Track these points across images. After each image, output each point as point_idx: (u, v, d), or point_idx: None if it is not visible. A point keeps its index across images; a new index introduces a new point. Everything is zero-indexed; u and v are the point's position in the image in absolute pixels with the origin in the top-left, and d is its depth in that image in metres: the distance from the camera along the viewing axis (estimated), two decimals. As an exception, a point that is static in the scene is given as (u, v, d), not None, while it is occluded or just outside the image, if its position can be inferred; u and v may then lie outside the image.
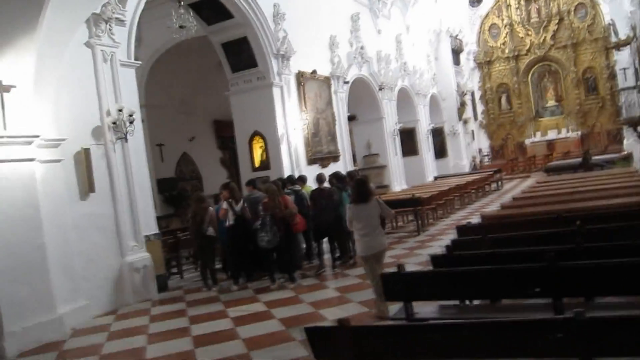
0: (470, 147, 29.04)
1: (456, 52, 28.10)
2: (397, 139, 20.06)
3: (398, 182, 19.48)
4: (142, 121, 16.70)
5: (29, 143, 7.39)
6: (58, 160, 8.00)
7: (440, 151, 25.24)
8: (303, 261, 10.01)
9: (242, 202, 9.02)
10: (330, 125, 15.36)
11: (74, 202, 8.32)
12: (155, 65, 16.01)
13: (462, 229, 6.79)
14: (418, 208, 12.40)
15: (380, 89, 19.02)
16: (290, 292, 8.29)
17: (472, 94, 30.08)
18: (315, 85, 14.87)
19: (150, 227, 9.53)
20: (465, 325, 3.26)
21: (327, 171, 13.47)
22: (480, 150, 30.57)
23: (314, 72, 14.85)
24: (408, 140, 21.80)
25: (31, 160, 7.41)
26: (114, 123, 8.90)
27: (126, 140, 9.09)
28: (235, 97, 13.63)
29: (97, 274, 8.52)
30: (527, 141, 29.45)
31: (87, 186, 8.48)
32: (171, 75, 16.58)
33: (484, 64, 31.09)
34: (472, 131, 29.41)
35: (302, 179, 11.06)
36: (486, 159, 30.43)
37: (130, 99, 9.42)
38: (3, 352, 6.74)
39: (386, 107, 19.49)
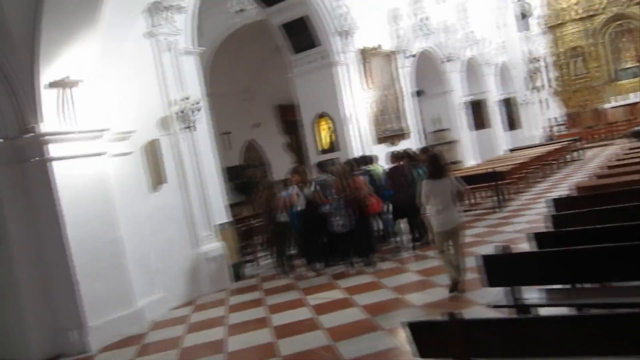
0: (543, 116, 27.54)
1: (524, 17, 26.59)
2: (467, 112, 19.18)
3: (471, 157, 18.64)
4: (208, 110, 16.94)
5: (99, 137, 7.32)
6: (128, 153, 7.93)
7: (512, 122, 24.04)
8: (379, 243, 9.61)
9: (312, 185, 8.68)
10: (397, 102, 14.76)
11: (145, 195, 8.24)
12: (217, 54, 15.92)
13: (559, 202, 6.13)
14: (498, 182, 11.67)
15: (447, 61, 18.17)
16: (369, 276, 7.91)
17: (544, 60, 28.44)
18: (379, 61, 14.30)
19: (222, 215, 9.37)
20: (593, 318, 2.76)
21: (397, 149, 13.00)
22: (554, 119, 28.96)
23: (378, 47, 14.28)
24: (478, 113, 20.83)
25: (102, 154, 7.34)
26: (180, 112, 8.75)
27: (194, 129, 8.92)
28: (298, 79, 13.29)
29: (173, 265, 8.45)
30: (607, 106, 27.59)
31: (157, 178, 8.39)
32: (233, 62, 16.45)
33: (555, 27, 29.29)
34: (546, 99, 27.85)
35: (372, 159, 10.61)
36: (562, 127, 28.80)
37: (195, 87, 9.24)
38: (87, 346, 6.74)
39: (453, 80, 18.63)
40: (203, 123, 9.25)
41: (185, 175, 8.80)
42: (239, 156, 17.04)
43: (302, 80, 13.20)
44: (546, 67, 28.62)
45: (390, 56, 14.78)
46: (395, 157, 9.41)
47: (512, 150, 20.90)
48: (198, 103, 8.86)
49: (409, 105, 15.37)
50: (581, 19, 28.39)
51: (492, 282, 3.96)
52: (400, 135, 14.62)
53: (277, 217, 8.72)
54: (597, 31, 28.33)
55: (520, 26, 25.94)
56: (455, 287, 6.20)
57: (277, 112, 18.68)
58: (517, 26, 25.69)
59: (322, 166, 9.50)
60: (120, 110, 7.86)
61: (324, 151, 13.28)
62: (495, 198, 12.08)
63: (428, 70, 17.72)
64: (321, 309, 6.74)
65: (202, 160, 9.08)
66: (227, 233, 9.34)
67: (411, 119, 15.31)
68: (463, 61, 19.47)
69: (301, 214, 8.58)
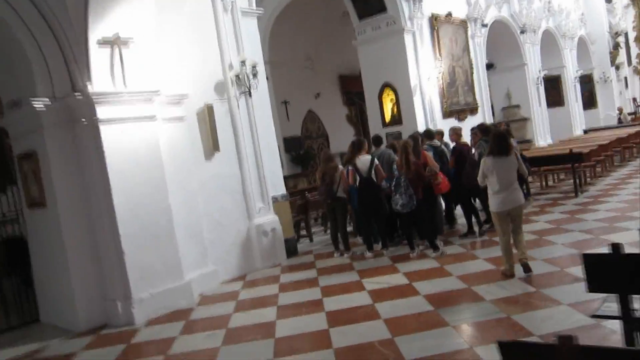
0: (622, 96, 25.60)
1: (609, -13, 24.57)
2: (541, 88, 17.87)
3: (542, 137, 17.41)
4: (267, 78, 16.39)
5: (150, 100, 6.88)
6: (181, 118, 7.49)
7: (589, 101, 22.39)
8: (444, 226, 8.89)
9: (372, 160, 8.02)
10: (467, 74, 13.77)
11: (198, 163, 7.82)
12: (278, 20, 15.28)
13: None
14: (576, 165, 10.64)
15: (522, 32, 16.89)
16: (433, 261, 7.23)
17: (626, 35, 26.35)
18: (450, 29, 13.31)
19: (278, 187, 8.87)
20: None
21: (465, 125, 12.11)
22: (635, 99, 26.91)
23: (449, 14, 13.27)
24: (552, 90, 19.43)
25: (153, 118, 6.92)
26: (237, 77, 8.23)
27: (250, 94, 8.40)
28: (362, 46, 12.52)
29: (225, 237, 8.04)
30: (695, 87, 25.35)
31: (211, 145, 7.94)
32: (294, 29, 15.79)
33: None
34: (625, 78, 25.85)
35: (440, 134, 9.81)
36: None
37: (254, 51, 8.69)
38: (132, 318, 6.43)
39: (528, 52, 17.33)
40: (261, 89, 8.71)
41: (240, 144, 8.31)
42: (297, 127, 16.48)
43: (367, 47, 12.42)
44: (627, 43, 26.56)
45: (461, 25, 13.75)
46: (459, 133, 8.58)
47: (585, 132, 19.47)
48: (255, 67, 8.30)
49: (480, 79, 14.34)
50: (672, -10, 26.06)
51: (593, 286, 3.23)
52: (469, 109, 13.66)
53: (334, 191, 8.11)
54: (689, 4, 25.95)
55: (604, -3, 23.98)
56: (528, 267, 5.98)
57: (339, 83, 17.96)
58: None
59: (378, 141, 8.79)
60: (174, 73, 7.41)
61: (388, 124, 12.53)
62: (571, 182, 11.05)
63: (500, 42, 16.51)
64: (379, 295, 6.13)
65: (258, 128, 8.56)
66: (282, 206, 8.85)
67: (481, 93, 14.29)
68: (539, 33, 18.08)
69: (358, 191, 7.97)
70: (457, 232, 8.81)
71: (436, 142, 8.95)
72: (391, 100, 12.42)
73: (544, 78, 17.87)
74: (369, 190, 7.86)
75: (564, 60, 19.94)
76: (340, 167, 8.20)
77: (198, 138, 7.86)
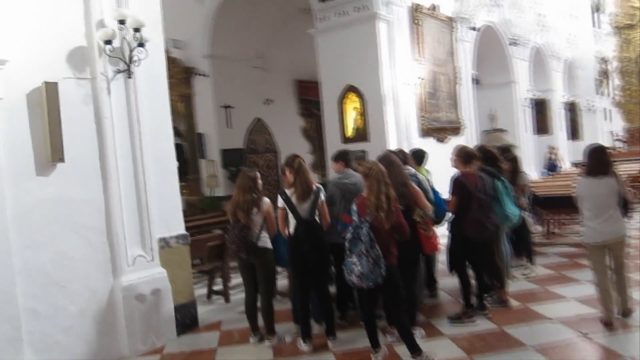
0: (603, 128, 23.23)
1: (597, 11, 22.26)
2: (529, 111, 15.12)
3: (528, 168, 14.54)
4: (205, 76, 13.17)
5: None
6: (-16, 98, 4.16)
7: (573, 131, 19.81)
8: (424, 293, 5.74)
9: (316, 193, 4.81)
10: (450, 85, 10.81)
11: (22, 178, 4.48)
12: (225, 7, 12.11)
13: None
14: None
15: (512, 44, 14.12)
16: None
17: (611, 65, 24.15)
18: (434, 26, 10.35)
19: (172, 225, 5.55)
20: None
21: (446, 148, 9.08)
22: (613, 132, 24.60)
23: (434, 7, 10.33)
24: (538, 115, 16.68)
25: None
26: (108, 43, 4.93)
27: (129, 75, 5.11)
28: (322, 36, 9.44)
29: (64, 306, 4.70)
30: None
31: (49, 150, 4.60)
32: (244, 19, 12.59)
33: (624, 28, 24.99)
34: (609, 110, 23.54)
35: (418, 156, 6.68)
36: (621, 143, 24.40)
37: (146, 6, 5.41)
38: None
39: (518, 69, 14.56)
40: (154, 68, 5.45)
41: (108, 152, 5.00)
42: (240, 137, 13.17)
43: (328, 38, 9.35)
44: (611, 72, 24.44)
45: (447, 22, 10.81)
46: (468, 156, 5.35)
47: (576, 165, 16.78)
48: (138, 30, 5.03)
49: (467, 91, 11.38)
50: (659, 20, 24.05)
51: None
52: (451, 129, 10.67)
53: (253, 239, 4.83)
54: (675, 37, 23.97)
55: (592, 21, 21.62)
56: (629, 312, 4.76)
57: (295, 89, 14.77)
58: (591, 20, 21.36)
59: (344, 157, 5.51)
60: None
61: (350, 139, 9.42)
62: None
63: (488, 53, 13.70)
64: None
65: (145, 129, 5.27)
66: (176, 255, 5.53)
67: (466, 110, 11.32)
68: (529, 48, 15.37)
69: (290, 240, 4.75)
70: (440, 308, 5.68)
71: (410, 168, 5.81)
72: (355, 109, 9.32)
73: (533, 100, 15.13)
74: (307, 240, 4.62)
75: (552, 82, 17.31)
76: (267, 200, 4.93)
77: (24, 136, 4.52)
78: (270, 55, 13.68)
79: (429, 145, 9.71)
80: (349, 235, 4.19)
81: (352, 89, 9.23)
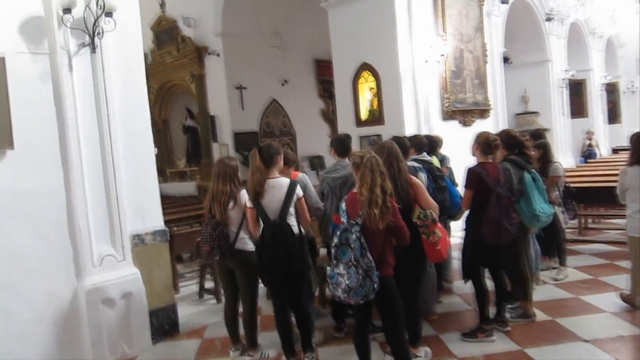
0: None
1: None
2: (565, 93, 13.97)
3: (564, 153, 13.47)
4: (218, 55, 12.46)
5: None
6: None
7: (611, 114, 18.49)
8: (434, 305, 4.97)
9: (290, 187, 4.03)
10: (479, 64, 9.83)
11: (-37, 168, 3.87)
12: (238, -21, 11.37)
13: None
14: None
15: (548, 20, 12.97)
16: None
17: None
18: (460, -1, 9.37)
19: (148, 218, 4.89)
20: None
21: (471, 132, 8.18)
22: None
23: (460, -23, 9.34)
24: (575, 97, 15.52)
25: None
26: (67, 11, 4.25)
27: (94, 49, 4.42)
28: (334, 10, 8.61)
29: (18, 311, 4.10)
30: None
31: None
32: (261, -5, 11.85)
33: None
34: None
35: (433, 143, 5.88)
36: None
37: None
38: None
39: (554, 47, 13.40)
40: (126, 38, 4.75)
41: (69, 137, 4.34)
42: (255, 119, 12.46)
43: (341, 12, 8.53)
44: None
45: (476, -5, 9.81)
46: (488, 144, 4.49)
47: (615, 151, 15.61)
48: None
49: (495, 72, 10.38)
50: None
51: None
52: (478, 111, 9.72)
53: (229, 239, 4.12)
54: None
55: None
56: None
57: (314, 69, 13.94)
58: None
59: (343, 145, 4.72)
60: None
61: (364, 122, 8.63)
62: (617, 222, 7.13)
63: (520, 29, 12.59)
64: None
65: (114, 110, 4.59)
66: (153, 252, 4.89)
67: (495, 91, 10.33)
68: (567, 24, 14.16)
69: (258, 244, 4.00)
70: (454, 318, 4.90)
71: (425, 156, 5.01)
72: (371, 89, 8.50)
73: (568, 81, 13.96)
74: (278, 245, 3.87)
75: (590, 62, 16.03)
76: (244, 193, 4.19)
77: (-35, 119, 3.90)
78: (287, 33, 12.88)
79: (451, 128, 8.90)
80: (335, 241, 3.44)
81: (366, 67, 8.40)
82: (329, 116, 14.35)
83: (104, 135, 4.54)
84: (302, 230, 4.06)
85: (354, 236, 3.35)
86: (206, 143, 12.51)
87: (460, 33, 9.25)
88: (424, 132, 8.05)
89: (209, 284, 6.30)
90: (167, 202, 11.40)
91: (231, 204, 4.13)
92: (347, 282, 3.30)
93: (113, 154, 4.58)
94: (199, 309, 5.80)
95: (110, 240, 4.57)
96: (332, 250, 3.43)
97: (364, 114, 8.59)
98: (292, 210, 3.99)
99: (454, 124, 9.13)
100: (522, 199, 4.52)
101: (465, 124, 9.34)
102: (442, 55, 8.67)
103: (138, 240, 4.77)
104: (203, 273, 6.20)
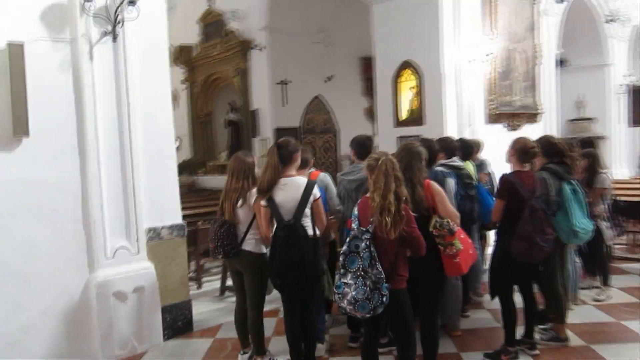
0: None
1: None
2: (625, 99, 13.12)
3: (619, 163, 12.68)
4: (261, 49, 12.35)
5: None
6: None
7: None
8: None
9: (308, 187, 3.78)
10: (529, 65, 9.28)
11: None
12: (287, -24, 11.23)
13: None
14: None
15: (609, 21, 12.18)
16: None
17: None
18: (512, -4, 8.87)
19: (165, 214, 4.78)
20: None
21: (516, 136, 7.72)
22: None
23: (513, -26, 8.83)
24: (635, 104, 14.54)
25: None
26: (89, 2, 4.17)
27: (114, 37, 4.33)
28: (379, 5, 8.30)
29: (28, 302, 4.05)
30: None
31: (11, 123, 3.91)
32: (307, -11, 11.66)
33: None
34: None
35: (468, 147, 5.53)
36: None
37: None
38: None
39: (614, 50, 12.60)
40: (150, 28, 4.64)
41: (88, 128, 4.27)
42: (297, 116, 12.31)
43: (385, 8, 8.20)
44: None
45: (530, -7, 9.26)
46: (526, 151, 4.11)
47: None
48: (127, -16, 4.22)
49: (547, 74, 9.79)
50: None
51: None
52: (527, 115, 9.19)
53: (237, 239, 3.92)
54: None
55: None
56: None
57: (360, 66, 13.61)
58: None
59: (363, 146, 4.52)
60: None
61: (403, 122, 8.31)
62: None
63: (577, 31, 11.86)
64: None
65: (135, 101, 4.49)
66: (169, 248, 4.77)
67: (547, 94, 9.75)
68: (628, 26, 13.27)
69: (272, 246, 3.76)
70: (480, 335, 4.55)
71: (456, 161, 4.69)
72: (412, 88, 8.14)
73: (631, 86, 13.10)
74: (291, 248, 3.64)
75: (655, 67, 15.01)
76: (254, 192, 3.97)
77: (-17, 105, 3.87)
78: (333, 30, 12.62)
79: (496, 132, 8.43)
80: (344, 248, 3.20)
81: (408, 65, 8.04)
82: (373, 115, 14.03)
83: (124, 126, 4.44)
84: (318, 233, 3.83)
85: (363, 244, 3.10)
86: (247, 138, 12.44)
87: (510, 32, 8.74)
88: (466, 135, 7.67)
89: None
90: (203, 194, 11.49)
91: (240, 201, 3.94)
92: (353, 293, 3.05)
93: (132, 146, 4.48)
94: (217, 307, 5.68)
95: (125, 233, 4.48)
96: (341, 258, 3.19)
97: (403, 114, 8.25)
98: (307, 211, 3.77)
99: (499, 128, 8.66)
100: (559, 212, 4.12)
101: (511, 128, 8.85)
102: (488, 54, 8.21)
103: (154, 234, 4.66)
104: (225, 270, 6.06)
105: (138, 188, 4.51)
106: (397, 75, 8.20)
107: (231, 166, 4.05)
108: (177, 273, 4.82)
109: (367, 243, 3.09)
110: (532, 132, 8.28)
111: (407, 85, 8.17)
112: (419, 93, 7.99)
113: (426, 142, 4.40)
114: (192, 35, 13.37)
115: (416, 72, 7.99)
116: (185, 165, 13.33)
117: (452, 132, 7.62)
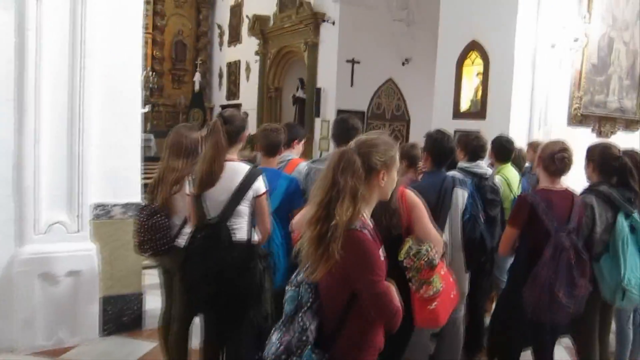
0: None
1: None
2: None
3: None
4: (333, 23, 11.33)
5: None
6: None
7: None
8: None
9: (246, 178, 2.81)
10: (635, 60, 7.54)
11: None
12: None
13: None
14: None
15: None
16: None
17: None
18: (621, -27, 7.17)
19: (119, 189, 4.00)
20: None
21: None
22: None
23: (627, -55, 7.12)
24: None
25: None
26: None
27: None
28: (449, -25, 7.02)
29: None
30: None
31: None
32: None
33: None
34: None
35: (507, 149, 4.28)
36: None
37: None
38: None
39: None
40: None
41: (26, 76, 3.57)
42: (365, 99, 11.20)
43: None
44: None
45: (646, -29, 7.47)
46: (550, 158, 2.86)
47: None
48: None
49: (658, 72, 7.95)
50: None
51: None
52: (623, 120, 7.50)
53: (170, 232, 3.07)
54: None
55: None
56: None
57: (443, 50, 12.21)
58: None
59: (342, 128, 3.43)
60: None
61: (460, 114, 7.03)
62: None
63: None
64: None
65: (92, 52, 3.73)
66: (119, 228, 4.00)
67: (655, 96, 7.92)
68: None
69: (188, 251, 2.83)
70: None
71: (482, 166, 3.49)
72: (478, 74, 6.82)
73: None
74: (208, 254, 2.69)
75: None
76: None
77: None
78: (417, 7, 11.32)
79: (580, 137, 6.86)
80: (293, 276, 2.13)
81: (475, 46, 6.73)
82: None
83: (75, 80, 3.71)
84: (256, 238, 2.88)
85: (300, 277, 2.05)
86: (310, 117, 11.57)
87: (612, 16, 7.07)
88: (538, 136, 6.31)
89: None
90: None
91: (177, 186, 3.06)
92: (276, 344, 1.99)
93: (84, 104, 3.74)
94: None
95: (65, 206, 3.78)
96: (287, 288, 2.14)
97: (464, 104, 6.96)
98: (243, 209, 2.82)
99: (585, 132, 7.07)
100: (605, 256, 2.84)
101: (601, 133, 7.23)
102: (580, 42, 6.65)
103: (102, 211, 3.92)
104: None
105: (87, 154, 3.78)
106: (461, 57, 6.91)
107: (169, 141, 3.16)
108: (128, 259, 4.04)
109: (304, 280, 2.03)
110: (627, 142, 6.66)
111: (472, 70, 6.86)
112: (485, 80, 6.66)
113: (439, 135, 3.29)
114: (269, 6, 12.67)
115: (483, 55, 6.66)
116: (249, 140, 12.76)
117: (520, 131, 6.28)
